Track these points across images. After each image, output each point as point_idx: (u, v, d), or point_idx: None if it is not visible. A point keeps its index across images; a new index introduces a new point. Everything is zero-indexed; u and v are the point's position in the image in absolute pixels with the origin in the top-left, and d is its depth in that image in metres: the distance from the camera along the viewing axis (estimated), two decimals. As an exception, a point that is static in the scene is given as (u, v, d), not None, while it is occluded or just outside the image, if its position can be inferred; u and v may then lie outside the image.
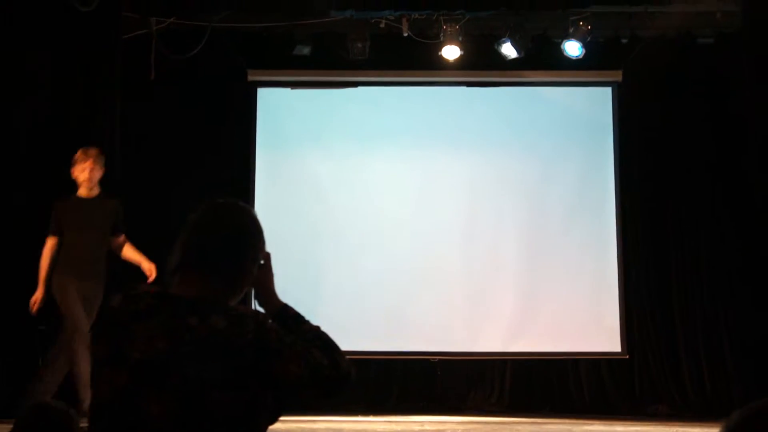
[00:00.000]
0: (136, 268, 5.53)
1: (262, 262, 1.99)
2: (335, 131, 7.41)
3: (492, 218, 7.28)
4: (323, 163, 7.36)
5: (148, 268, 5.46)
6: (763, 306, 6.71)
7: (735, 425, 1.35)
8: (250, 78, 7.42)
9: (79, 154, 5.49)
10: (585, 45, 6.98)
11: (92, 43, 6.45)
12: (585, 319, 7.10)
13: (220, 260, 1.89)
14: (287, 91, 7.48)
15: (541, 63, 7.35)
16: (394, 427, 5.52)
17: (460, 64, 7.21)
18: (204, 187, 6.56)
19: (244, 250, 1.93)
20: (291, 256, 6.82)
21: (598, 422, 6.06)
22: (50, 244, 5.42)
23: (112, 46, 6.56)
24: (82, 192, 5.50)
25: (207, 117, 7.29)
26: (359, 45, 7.06)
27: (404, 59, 7.35)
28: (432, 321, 7.08)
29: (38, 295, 5.37)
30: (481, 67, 7.36)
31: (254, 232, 1.97)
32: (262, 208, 6.91)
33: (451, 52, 7.08)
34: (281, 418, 1.84)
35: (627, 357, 7.09)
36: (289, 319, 1.97)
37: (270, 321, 1.86)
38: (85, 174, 5.46)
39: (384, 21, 7.09)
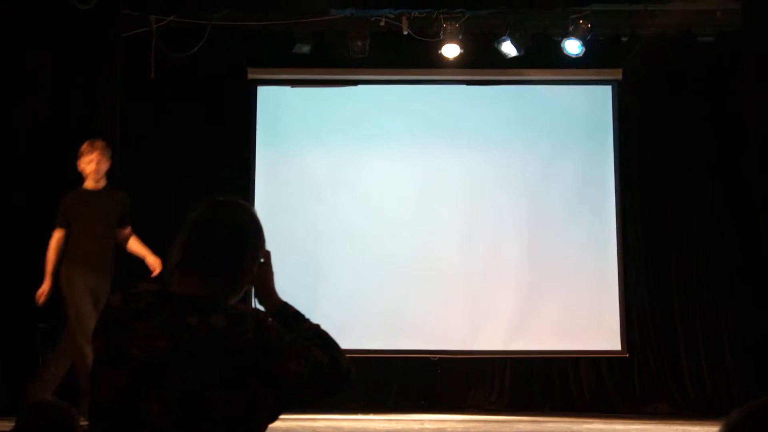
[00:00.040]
0: (142, 262, 5.53)
1: (262, 260, 1.98)
2: (335, 129, 7.41)
3: (492, 216, 7.27)
4: (323, 162, 7.36)
5: (153, 261, 5.45)
6: (762, 305, 6.71)
7: (735, 424, 1.35)
8: (250, 76, 7.42)
9: (85, 147, 5.50)
10: (585, 43, 6.98)
11: (92, 42, 6.45)
12: (585, 317, 7.10)
13: (220, 259, 1.89)
14: (287, 89, 7.47)
15: (541, 61, 7.34)
16: (394, 425, 5.52)
17: (460, 63, 7.20)
18: (204, 186, 6.55)
19: (244, 248, 1.93)
20: (291, 255, 6.82)
21: (598, 421, 6.06)
22: (57, 236, 5.41)
23: (112, 45, 6.57)
24: (89, 184, 5.51)
25: (207, 115, 7.29)
26: (359, 43, 7.05)
27: (404, 58, 7.35)
28: (432, 319, 7.07)
29: (45, 288, 5.36)
30: (481, 65, 7.35)
31: (254, 230, 1.96)
32: (262, 206, 6.91)
33: (451, 51, 7.08)
34: (281, 417, 1.84)
35: (627, 356, 7.09)
36: (289, 317, 1.97)
37: (270, 319, 1.86)
38: (92, 166, 5.47)
39: (384, 19, 7.08)
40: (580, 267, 7.20)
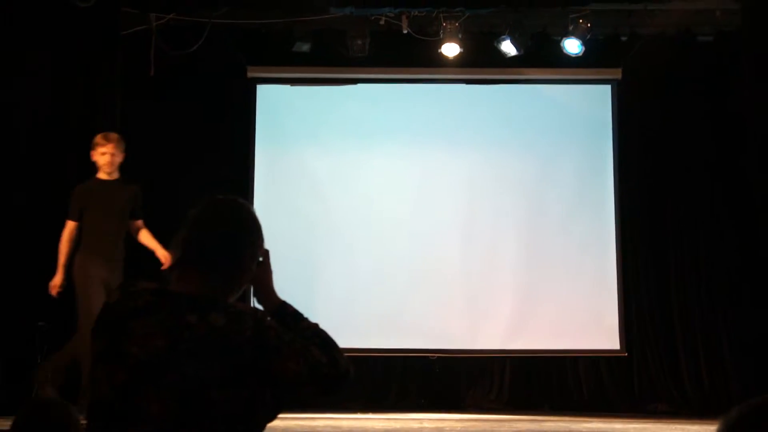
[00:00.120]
0: (149, 255, 5.54)
1: (260, 259, 1.99)
2: (334, 128, 7.41)
3: (491, 216, 7.27)
4: (322, 160, 7.35)
5: (163, 255, 5.45)
6: (761, 304, 6.71)
7: (733, 422, 1.35)
8: (250, 75, 7.41)
9: (99, 138, 5.50)
10: (584, 42, 6.97)
11: (92, 40, 6.45)
12: (584, 316, 7.10)
13: (218, 257, 1.88)
14: (287, 87, 7.47)
15: (541, 61, 7.34)
16: (392, 424, 5.52)
17: (460, 62, 7.20)
18: (203, 184, 6.55)
19: (243, 246, 1.93)
20: (290, 253, 6.81)
21: (597, 420, 6.06)
22: (69, 228, 5.41)
23: (112, 43, 6.57)
24: (102, 176, 5.52)
25: (206, 113, 7.28)
26: (359, 42, 7.05)
27: (404, 56, 7.35)
28: (431, 318, 7.07)
29: (57, 280, 5.36)
30: (481, 64, 7.35)
31: (253, 228, 1.96)
32: (261, 204, 6.92)
33: (450, 50, 7.08)
34: (280, 416, 1.84)
35: (626, 355, 7.09)
36: (288, 316, 1.97)
37: (269, 318, 1.86)
38: (106, 158, 5.48)
39: (384, 18, 7.08)
40: (579, 266, 7.20)
